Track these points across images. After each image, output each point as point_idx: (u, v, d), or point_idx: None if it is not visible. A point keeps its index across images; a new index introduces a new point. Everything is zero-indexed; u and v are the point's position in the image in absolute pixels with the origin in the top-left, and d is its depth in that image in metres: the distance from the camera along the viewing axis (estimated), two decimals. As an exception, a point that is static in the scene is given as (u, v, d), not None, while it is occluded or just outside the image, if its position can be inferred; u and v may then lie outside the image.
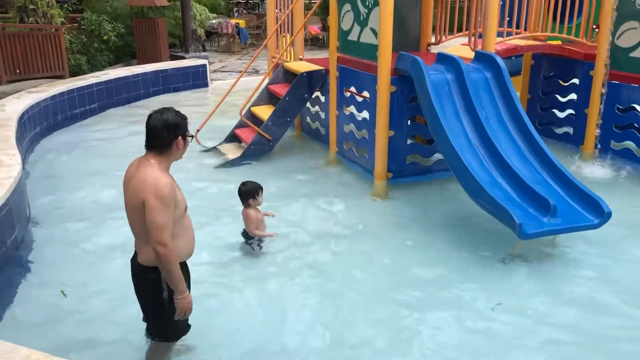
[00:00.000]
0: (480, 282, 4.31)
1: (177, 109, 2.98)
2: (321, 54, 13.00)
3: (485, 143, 5.21)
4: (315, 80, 7.09)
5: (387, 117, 5.85)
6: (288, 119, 7.12)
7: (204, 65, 12.00)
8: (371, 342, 3.62)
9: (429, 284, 4.32)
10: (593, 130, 6.91)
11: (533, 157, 5.20)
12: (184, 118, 2.92)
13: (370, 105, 6.14)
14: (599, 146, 6.90)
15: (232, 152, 7.25)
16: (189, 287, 3.05)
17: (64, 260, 4.57)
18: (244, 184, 4.80)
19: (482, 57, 5.89)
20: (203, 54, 14.61)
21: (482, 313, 3.92)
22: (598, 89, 6.81)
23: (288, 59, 7.93)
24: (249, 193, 4.70)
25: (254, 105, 7.64)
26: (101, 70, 12.85)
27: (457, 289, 4.23)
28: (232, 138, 7.64)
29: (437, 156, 6.29)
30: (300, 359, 3.46)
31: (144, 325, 3.29)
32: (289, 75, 7.64)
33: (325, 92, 7.22)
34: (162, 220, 2.71)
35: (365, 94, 6.30)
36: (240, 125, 7.61)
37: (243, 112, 7.45)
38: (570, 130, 7.41)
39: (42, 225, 5.18)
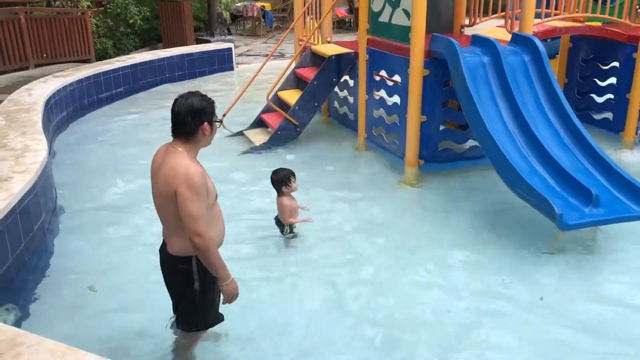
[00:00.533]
0: (518, 274, 4.13)
1: (204, 93, 2.84)
2: (347, 37, 12.74)
3: (523, 129, 4.98)
4: (344, 63, 6.90)
5: (419, 102, 5.66)
6: (316, 104, 6.96)
7: (230, 49, 11.86)
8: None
9: (463, 274, 4.16)
10: (635, 116, 6.61)
11: (573, 145, 4.97)
12: (210, 102, 2.76)
13: (401, 89, 5.94)
14: (640, 133, 6.61)
15: (258, 137, 7.12)
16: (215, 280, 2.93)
17: (90, 248, 4.51)
18: (275, 172, 4.61)
19: (519, 40, 5.63)
20: (228, 37, 14.46)
21: (528, 308, 3.75)
22: (641, 73, 6.50)
23: (315, 42, 7.74)
24: (281, 181, 4.54)
25: (280, 89, 7.49)
26: (127, 54, 12.80)
27: (492, 280, 4.06)
28: (259, 123, 7.52)
29: (471, 142, 6.07)
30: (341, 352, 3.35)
31: (169, 314, 3.20)
32: (316, 59, 7.46)
33: (354, 76, 7.03)
34: (196, 210, 2.60)
35: (397, 77, 6.10)
36: (266, 110, 7.47)
37: (270, 97, 7.30)
38: (609, 116, 7.10)
39: (68, 212, 5.13)
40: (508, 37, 5.84)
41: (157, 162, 2.78)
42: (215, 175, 5.98)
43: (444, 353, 3.33)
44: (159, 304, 3.40)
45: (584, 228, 4.36)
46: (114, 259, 4.36)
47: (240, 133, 7.40)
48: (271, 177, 4.61)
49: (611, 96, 7.11)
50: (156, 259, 3.02)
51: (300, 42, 8.28)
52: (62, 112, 7.97)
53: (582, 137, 4.95)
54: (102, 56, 12.54)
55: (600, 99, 7.26)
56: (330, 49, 7.08)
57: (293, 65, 7.65)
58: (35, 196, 4.38)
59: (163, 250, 2.94)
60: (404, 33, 5.66)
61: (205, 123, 2.70)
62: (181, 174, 2.59)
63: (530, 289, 3.96)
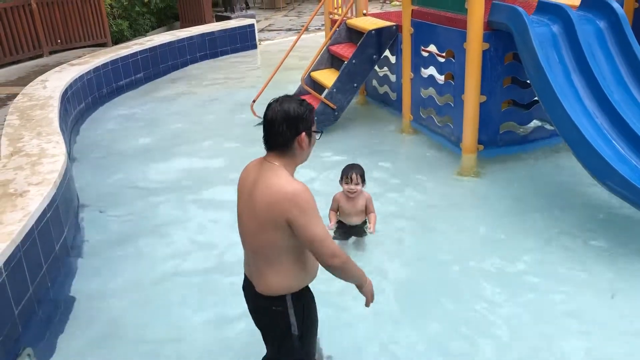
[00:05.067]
0: (596, 280, 3.54)
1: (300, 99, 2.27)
2: (377, 10, 11.91)
3: (606, 110, 4.30)
4: (385, 38, 6.21)
5: (478, 80, 4.99)
6: (355, 85, 6.31)
7: (252, 25, 11.20)
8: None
9: (530, 277, 3.61)
10: None
11: (666, 125, 4.28)
12: (309, 109, 2.28)
13: (456, 65, 5.26)
14: None
15: (293, 123, 6.51)
16: (315, 308, 2.49)
17: (117, 261, 4.00)
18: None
19: (592, 4, 4.89)
20: (249, 12, 13.73)
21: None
22: None
23: (349, 16, 7.05)
24: (341, 174, 4.05)
25: (314, 69, 6.83)
26: (144, 35, 12.21)
27: (561, 286, 3.49)
28: (292, 107, 6.90)
29: (535, 122, 5.40)
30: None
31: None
32: (352, 34, 6.78)
33: (396, 52, 6.35)
34: (322, 231, 2.19)
35: (449, 52, 5.42)
36: (299, 92, 6.84)
37: (304, 78, 6.67)
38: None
39: (94, 222, 4.60)
40: (577, 1, 5.11)
41: (247, 179, 2.33)
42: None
43: None
44: (195, 318, 2.95)
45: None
46: (144, 271, 3.86)
47: (273, 119, 6.80)
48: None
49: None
50: (197, 281, 2.47)
51: (331, 16, 7.60)
52: (81, 103, 7.45)
53: (675, 116, 4.26)
54: (118, 39, 11.96)
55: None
56: (368, 23, 6.40)
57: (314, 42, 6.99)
58: (55, 211, 3.86)
59: (249, 290, 2.44)
60: (459, 2, 4.96)
61: (303, 134, 2.24)
62: (289, 199, 2.15)
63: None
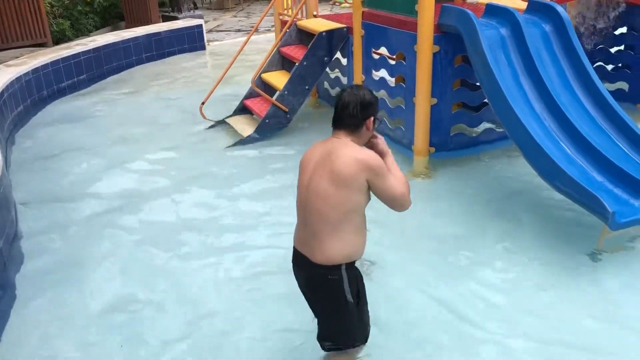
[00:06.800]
0: (557, 285, 3.58)
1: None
2: (328, 12, 11.88)
3: (553, 112, 4.37)
4: (335, 40, 6.16)
5: (429, 83, 5.00)
6: (307, 87, 6.23)
7: (200, 26, 10.96)
8: None
9: (487, 288, 3.58)
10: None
11: (609, 127, 4.38)
12: (377, 98, 2.67)
13: (407, 68, 5.26)
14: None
15: (244, 126, 6.39)
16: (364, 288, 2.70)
17: (62, 281, 3.78)
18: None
19: (538, 7, 4.99)
20: (197, 13, 13.46)
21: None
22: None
23: (300, 17, 6.97)
24: None
25: (264, 71, 6.72)
26: (87, 35, 11.76)
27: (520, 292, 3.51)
28: (242, 110, 6.78)
29: (485, 125, 5.46)
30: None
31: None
32: (303, 36, 6.71)
33: (347, 54, 6.31)
34: (400, 188, 2.58)
35: (400, 55, 5.42)
36: (250, 95, 6.73)
37: (254, 80, 6.55)
38: (624, 86, 6.55)
39: (33, 235, 4.35)
40: (524, 4, 5.19)
41: (314, 153, 2.63)
42: (202, 174, 5.31)
43: None
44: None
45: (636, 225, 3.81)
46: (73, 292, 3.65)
47: (223, 122, 6.65)
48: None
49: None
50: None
51: (280, 17, 7.51)
52: (19, 106, 7.09)
53: (617, 118, 4.37)
54: (59, 39, 11.46)
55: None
56: (319, 24, 6.34)
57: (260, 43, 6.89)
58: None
59: (303, 264, 2.63)
60: (409, 4, 4.95)
61: (372, 118, 2.62)
62: (365, 164, 2.48)
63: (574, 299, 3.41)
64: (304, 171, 2.64)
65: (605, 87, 4.53)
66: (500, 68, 4.49)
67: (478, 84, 5.56)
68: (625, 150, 4.24)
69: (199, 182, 5.06)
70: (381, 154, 2.68)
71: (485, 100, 5.45)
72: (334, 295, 2.58)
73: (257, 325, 3.28)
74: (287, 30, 6.77)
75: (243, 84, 6.96)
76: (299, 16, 6.97)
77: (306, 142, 5.95)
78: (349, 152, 2.51)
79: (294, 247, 2.71)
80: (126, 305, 3.48)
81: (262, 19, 7.28)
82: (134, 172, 5.45)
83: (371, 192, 2.57)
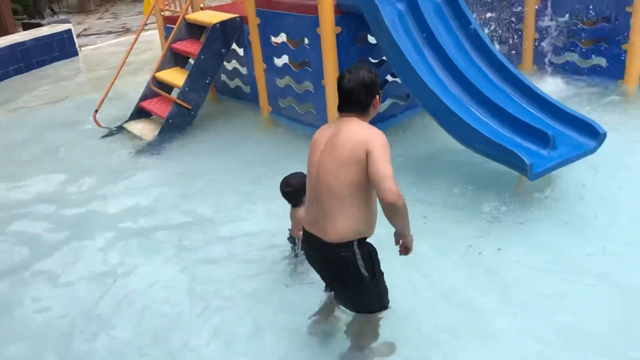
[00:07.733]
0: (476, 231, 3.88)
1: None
2: (215, 2, 11.39)
3: (457, 79, 4.62)
4: (230, 31, 6.03)
5: (335, 63, 5.10)
6: (207, 81, 6.06)
7: (69, 31, 10.21)
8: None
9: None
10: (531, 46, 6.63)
11: (508, 87, 4.70)
12: (376, 74, 2.67)
13: (311, 52, 5.28)
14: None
15: (145, 130, 6.09)
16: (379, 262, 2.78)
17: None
18: (286, 180, 3.48)
19: (426, -19, 5.21)
20: (61, 17, 12.50)
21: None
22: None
23: (186, 12, 6.73)
24: (298, 191, 3.32)
25: (158, 70, 6.42)
26: None
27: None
28: (139, 113, 6.44)
29: (390, 100, 5.64)
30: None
31: None
32: (193, 30, 6.49)
33: (243, 44, 6.21)
34: (391, 170, 2.47)
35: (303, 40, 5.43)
36: (145, 96, 6.41)
37: (151, 80, 6.26)
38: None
39: None
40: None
41: (324, 134, 2.67)
42: (111, 190, 4.97)
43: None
44: None
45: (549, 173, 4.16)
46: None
47: (121, 128, 6.29)
48: (284, 189, 3.47)
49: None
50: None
51: (163, 13, 7.21)
52: None
53: (514, 77, 4.70)
54: None
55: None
56: (209, 17, 6.16)
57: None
58: None
59: (316, 245, 2.67)
60: (306, -12, 4.97)
61: (377, 96, 2.67)
62: (372, 136, 2.52)
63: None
64: (314, 151, 2.68)
65: (496, 48, 4.86)
66: (403, 42, 4.65)
67: (377, 61, 5.76)
68: (524, 104, 4.57)
69: (109, 198, 4.74)
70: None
71: (387, 77, 5.64)
72: (349, 271, 2.64)
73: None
74: (173, 26, 6.51)
75: (137, 85, 6.58)
76: (185, 11, 6.72)
77: (211, 139, 5.83)
78: (355, 128, 2.57)
79: (304, 230, 2.76)
80: None
81: (149, 16, 6.96)
82: (19, 185, 4.99)
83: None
